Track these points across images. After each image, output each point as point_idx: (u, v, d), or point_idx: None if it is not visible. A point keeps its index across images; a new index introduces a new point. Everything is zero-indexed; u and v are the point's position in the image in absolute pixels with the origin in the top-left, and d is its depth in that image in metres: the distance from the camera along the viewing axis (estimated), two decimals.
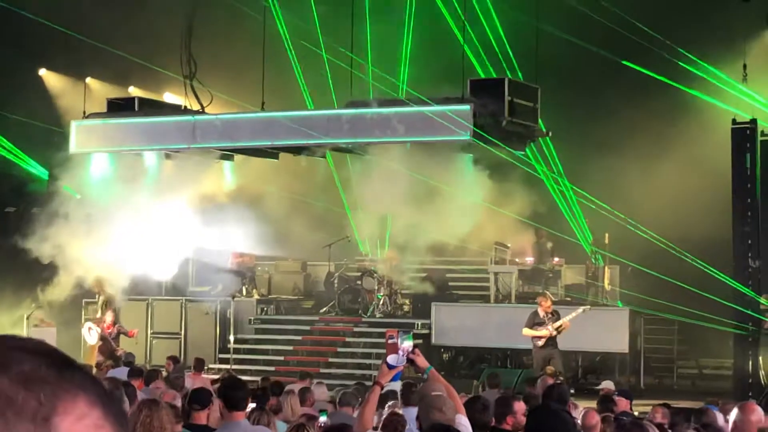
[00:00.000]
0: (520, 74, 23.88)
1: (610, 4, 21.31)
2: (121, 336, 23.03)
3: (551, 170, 25.10)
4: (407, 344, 6.87)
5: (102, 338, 22.54)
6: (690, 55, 22.69)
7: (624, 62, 22.81)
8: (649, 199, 23.74)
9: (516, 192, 23.20)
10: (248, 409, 10.81)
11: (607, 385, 16.12)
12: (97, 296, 24.02)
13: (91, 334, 23.00)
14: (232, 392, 8.31)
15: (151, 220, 25.27)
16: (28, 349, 1.50)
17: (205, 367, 21.11)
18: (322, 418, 10.38)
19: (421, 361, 7.00)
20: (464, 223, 23.41)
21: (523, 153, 22.57)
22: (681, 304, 21.38)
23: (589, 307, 21.32)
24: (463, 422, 6.97)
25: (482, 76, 24.07)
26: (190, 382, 15.78)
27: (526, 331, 20.30)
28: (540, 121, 22.14)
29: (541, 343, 20.17)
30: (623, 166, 24.72)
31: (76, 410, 1.47)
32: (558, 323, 20.11)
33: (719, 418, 10.27)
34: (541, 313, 20.31)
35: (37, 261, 24.88)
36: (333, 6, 25.74)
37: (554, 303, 21.97)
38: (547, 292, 22.47)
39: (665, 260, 21.19)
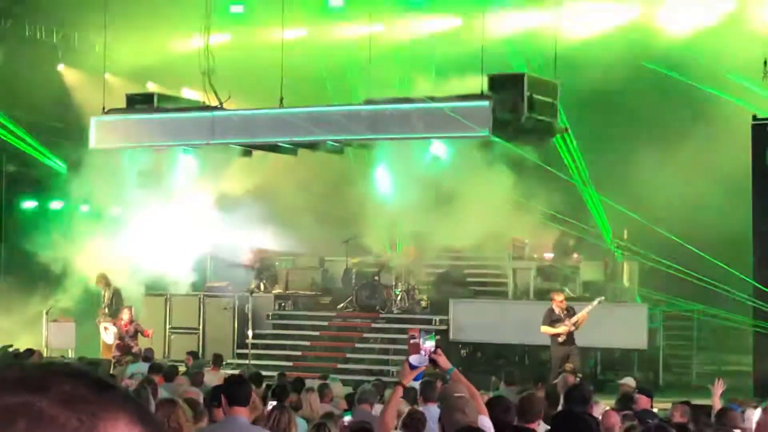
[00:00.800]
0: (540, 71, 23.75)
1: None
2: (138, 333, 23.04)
3: (575, 166, 24.91)
4: (429, 344, 6.86)
5: (120, 337, 22.59)
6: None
7: (645, 63, 22.74)
8: (668, 196, 23.62)
9: (535, 188, 23.10)
10: (268, 406, 10.85)
11: (628, 381, 16.01)
12: (103, 292, 24.08)
13: (108, 334, 23.04)
14: (233, 388, 8.40)
15: (169, 216, 25.36)
16: (67, 372, 1.50)
17: (223, 363, 21.14)
18: (347, 418, 10.37)
19: (444, 361, 6.98)
20: (483, 220, 23.38)
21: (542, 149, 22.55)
22: (700, 301, 21.33)
23: (603, 298, 21.13)
24: (486, 423, 6.95)
25: (522, 68, 23.72)
26: (210, 377, 15.82)
27: (545, 329, 20.15)
28: (564, 116, 22.06)
29: (561, 339, 20.01)
30: (642, 162, 24.61)
31: (116, 430, 1.48)
32: (575, 318, 19.98)
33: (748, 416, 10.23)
34: (557, 310, 20.18)
35: (55, 256, 25.01)
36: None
37: (573, 299, 21.90)
38: (559, 289, 22.35)
39: (684, 256, 21.14)
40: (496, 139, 21.84)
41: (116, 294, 23.97)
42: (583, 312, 20.03)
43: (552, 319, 20.13)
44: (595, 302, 20.41)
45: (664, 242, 21.59)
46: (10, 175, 27.75)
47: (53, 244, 25.07)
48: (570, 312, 20.13)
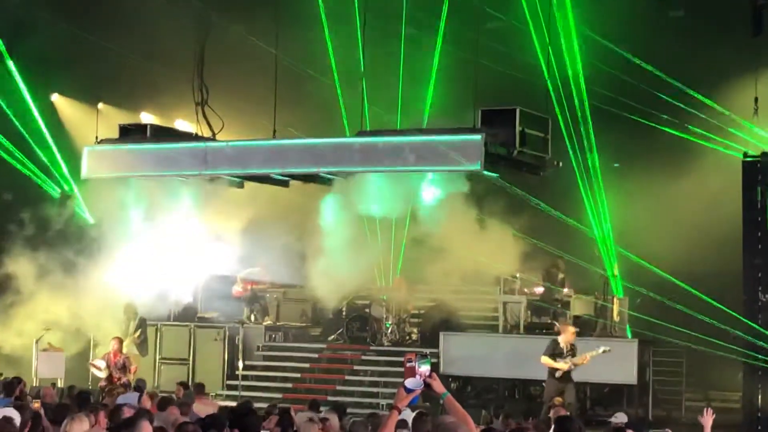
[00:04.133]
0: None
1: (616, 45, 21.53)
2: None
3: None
4: (425, 368, 6.85)
5: (107, 367, 22.47)
6: (698, 95, 22.78)
7: (635, 118, 22.89)
8: (660, 233, 23.66)
9: (529, 221, 23.11)
10: None
11: (621, 417, 15.90)
12: (129, 322, 24.17)
13: (101, 372, 22.91)
14: (244, 418, 8.43)
15: (161, 246, 25.38)
16: None
17: (212, 394, 21.07)
18: None
19: (438, 385, 6.97)
20: (475, 251, 23.42)
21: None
22: (691, 336, 21.36)
23: (610, 348, 20.80)
24: None
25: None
26: (196, 407, 15.77)
27: (545, 360, 19.98)
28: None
29: (558, 374, 19.90)
30: (634, 198, 24.65)
31: None
32: (578, 359, 19.83)
33: None
34: (562, 344, 20.03)
35: (48, 285, 25.01)
36: (344, 35, 25.85)
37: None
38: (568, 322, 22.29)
39: (675, 292, 21.20)
40: (489, 174, 21.91)
41: (142, 324, 24.14)
42: (586, 355, 19.88)
43: (554, 352, 20.00)
44: (601, 350, 20.17)
45: (656, 277, 21.66)
46: (7, 203, 27.83)
47: (48, 274, 25.12)
48: (573, 349, 19.99)
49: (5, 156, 26.98)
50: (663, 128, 23.37)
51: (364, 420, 12.58)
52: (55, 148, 27.42)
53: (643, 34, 23.60)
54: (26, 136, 26.88)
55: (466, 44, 23.86)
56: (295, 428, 12.06)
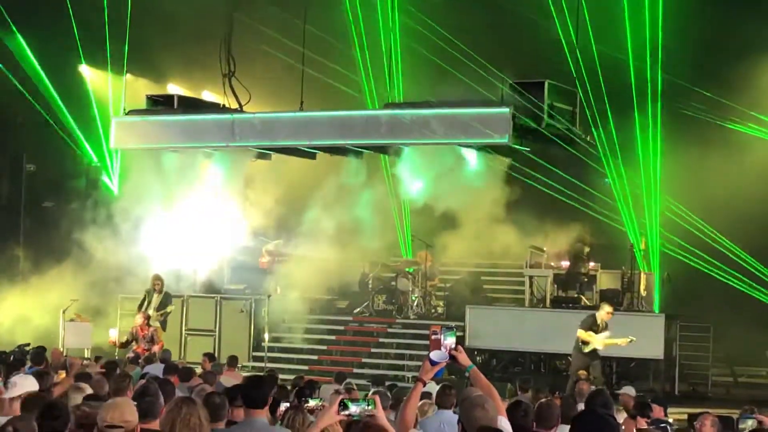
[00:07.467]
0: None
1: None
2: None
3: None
4: (450, 340, 6.82)
5: (134, 339, 22.55)
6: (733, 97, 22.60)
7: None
8: (706, 199, 23.23)
9: (557, 192, 22.91)
10: (282, 407, 10.84)
11: (628, 390, 15.62)
12: (153, 293, 24.21)
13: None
14: (250, 391, 8.36)
15: (188, 217, 25.44)
16: None
17: (239, 365, 21.10)
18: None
19: (463, 358, 6.94)
20: (500, 224, 23.37)
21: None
22: (719, 309, 21.23)
23: (635, 339, 20.50)
24: (504, 424, 6.95)
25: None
26: (225, 379, 15.79)
27: (581, 333, 19.66)
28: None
29: (588, 349, 19.64)
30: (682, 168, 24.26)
31: None
32: (614, 340, 19.53)
33: None
34: (599, 321, 19.72)
35: (74, 257, 25.11)
36: (372, 7, 25.74)
37: (590, 308, 21.76)
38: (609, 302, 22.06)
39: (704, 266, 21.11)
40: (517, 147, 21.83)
41: (166, 297, 24.20)
42: (614, 341, 19.64)
43: (591, 328, 19.67)
44: (628, 339, 19.89)
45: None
46: (31, 174, 27.91)
47: (72, 246, 25.20)
48: (606, 328, 19.73)
49: (32, 126, 27.05)
50: (702, 112, 23.07)
51: (385, 391, 12.54)
52: (86, 119, 27.42)
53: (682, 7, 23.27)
54: (53, 106, 26.85)
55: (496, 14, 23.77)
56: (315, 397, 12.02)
